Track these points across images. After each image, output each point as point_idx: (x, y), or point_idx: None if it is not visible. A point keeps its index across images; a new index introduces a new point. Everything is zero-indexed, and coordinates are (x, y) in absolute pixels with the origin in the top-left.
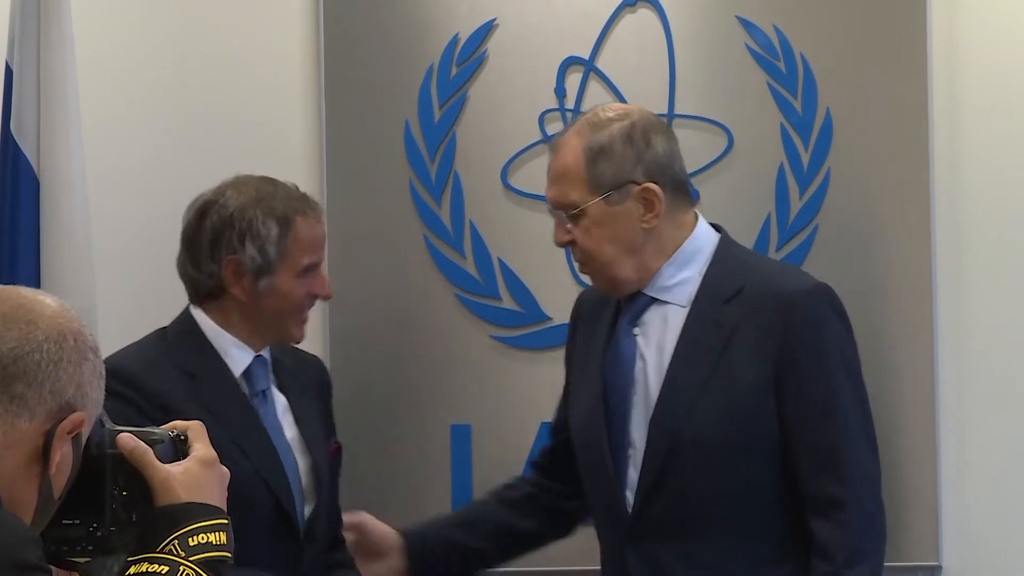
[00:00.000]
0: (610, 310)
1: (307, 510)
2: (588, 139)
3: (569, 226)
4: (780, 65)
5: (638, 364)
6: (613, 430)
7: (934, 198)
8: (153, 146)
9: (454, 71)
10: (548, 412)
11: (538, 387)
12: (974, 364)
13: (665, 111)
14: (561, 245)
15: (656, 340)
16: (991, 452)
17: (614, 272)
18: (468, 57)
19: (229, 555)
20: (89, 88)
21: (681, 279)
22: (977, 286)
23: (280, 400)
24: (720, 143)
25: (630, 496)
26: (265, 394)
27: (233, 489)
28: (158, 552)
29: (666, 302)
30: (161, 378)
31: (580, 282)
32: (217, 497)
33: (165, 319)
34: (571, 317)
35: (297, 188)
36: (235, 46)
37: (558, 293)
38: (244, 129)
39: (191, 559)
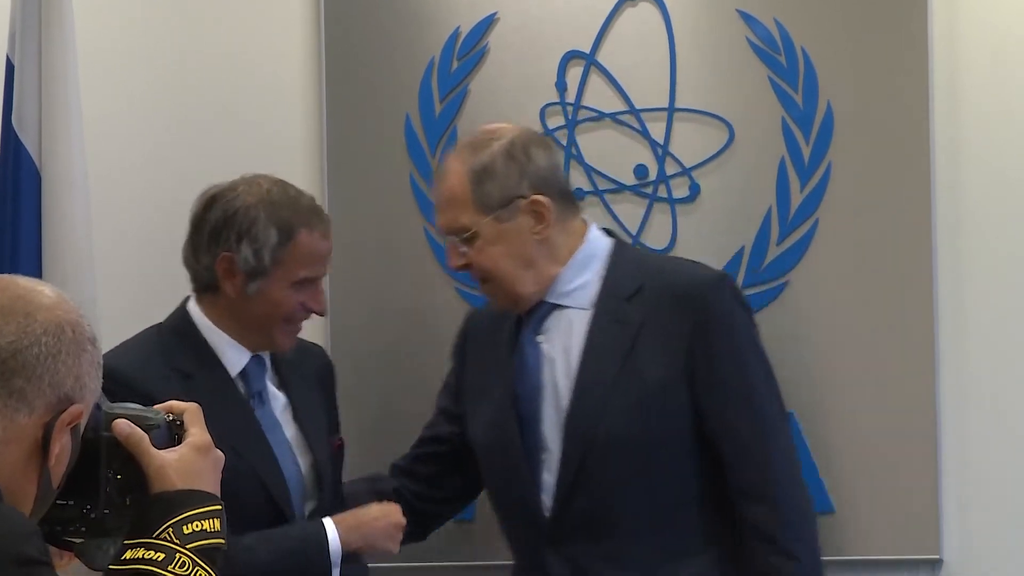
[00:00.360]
0: (509, 324)
1: (308, 508)
2: (470, 162)
3: (463, 249)
4: (781, 59)
5: (545, 369)
6: (526, 436)
7: (934, 191)
8: (154, 140)
9: (455, 65)
10: None
11: None
12: (975, 358)
13: (666, 105)
14: (457, 270)
15: (562, 344)
16: (991, 446)
17: (514, 287)
18: (469, 51)
19: (223, 541)
20: (90, 83)
21: (580, 283)
22: (977, 280)
23: (279, 398)
24: (721, 137)
25: (547, 500)
26: (262, 395)
27: (228, 490)
28: (153, 538)
29: (567, 307)
30: (155, 378)
31: None
32: (211, 483)
33: (166, 313)
34: (457, 339)
35: (313, 200)
36: (236, 41)
37: None
38: (245, 123)
39: (187, 546)
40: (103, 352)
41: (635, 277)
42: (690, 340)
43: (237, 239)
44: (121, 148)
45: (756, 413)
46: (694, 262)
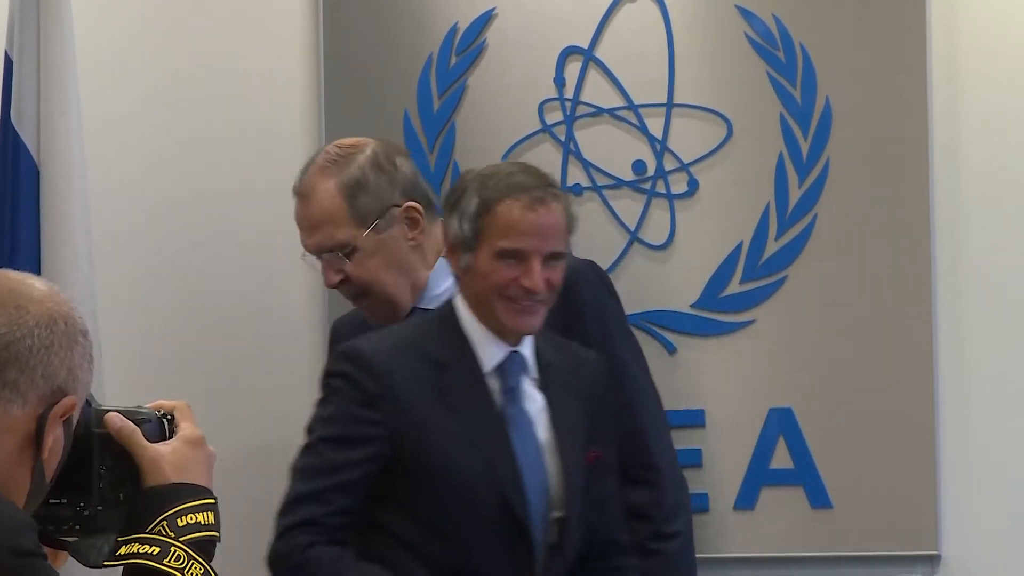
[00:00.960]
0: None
1: (553, 517)
2: (339, 177)
3: (340, 266)
4: (779, 54)
5: None
6: None
7: (933, 187)
8: (153, 136)
9: (453, 61)
10: None
11: None
12: (973, 353)
13: (664, 100)
14: (334, 287)
15: None
16: (990, 442)
17: (394, 296)
18: (467, 47)
19: (217, 534)
20: (89, 77)
21: (446, 287)
22: (975, 276)
23: (537, 400)
24: (719, 132)
25: None
26: (515, 392)
27: (458, 487)
28: (148, 533)
29: None
30: (401, 365)
31: None
32: (205, 476)
33: (163, 307)
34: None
35: (536, 178)
36: (235, 38)
37: None
38: (243, 120)
39: (181, 539)
40: (91, 339)
41: None
42: (564, 330)
43: (450, 211)
44: (120, 144)
45: (634, 398)
46: None
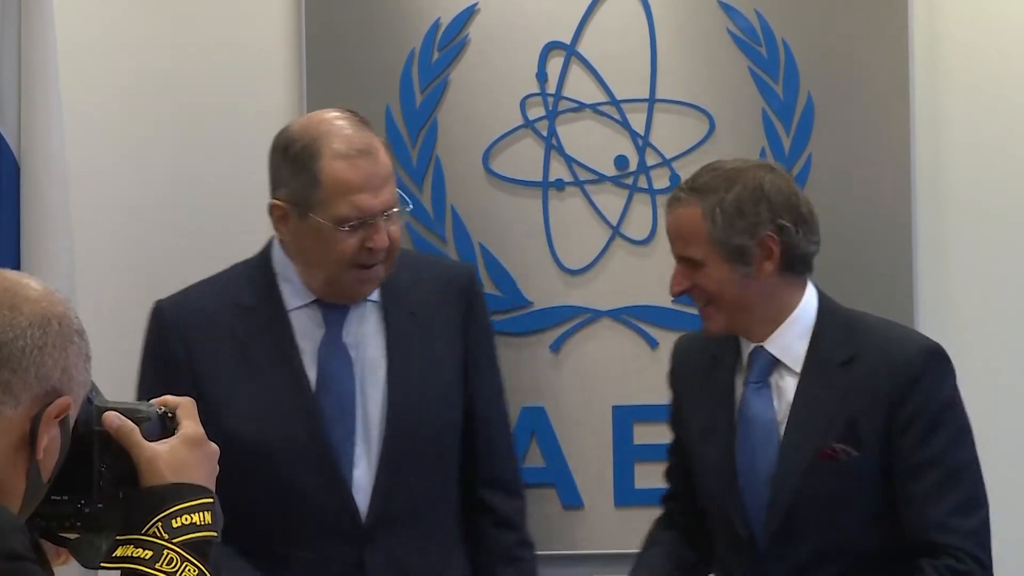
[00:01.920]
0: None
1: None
2: (378, 136)
3: (389, 226)
4: (761, 50)
5: (356, 365)
6: (330, 432)
7: (915, 182)
8: (134, 132)
9: (435, 56)
10: (528, 397)
11: (519, 372)
12: (957, 350)
13: (646, 96)
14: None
15: (361, 339)
16: (982, 439)
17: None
18: (449, 42)
19: (215, 534)
20: (70, 71)
21: None
22: (958, 271)
23: (785, 390)
24: (701, 128)
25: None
26: (753, 388)
27: (702, 488)
28: (143, 535)
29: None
30: (691, 360)
31: (562, 268)
32: (204, 476)
33: (144, 304)
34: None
35: (695, 176)
36: (216, 33)
37: (539, 278)
38: (225, 115)
39: (175, 541)
40: (88, 339)
41: (406, 271)
42: (465, 326)
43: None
44: (101, 140)
45: (505, 404)
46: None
